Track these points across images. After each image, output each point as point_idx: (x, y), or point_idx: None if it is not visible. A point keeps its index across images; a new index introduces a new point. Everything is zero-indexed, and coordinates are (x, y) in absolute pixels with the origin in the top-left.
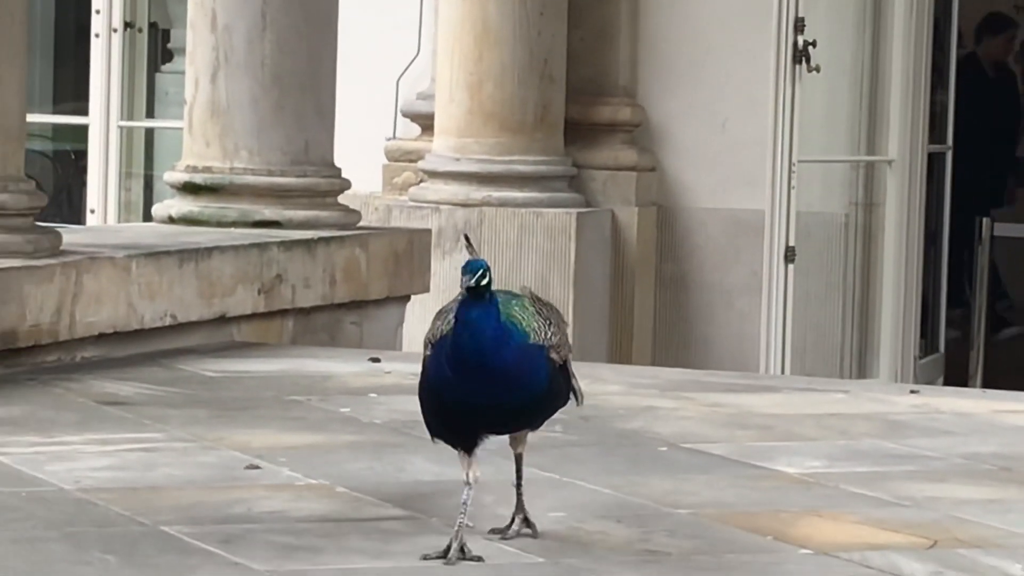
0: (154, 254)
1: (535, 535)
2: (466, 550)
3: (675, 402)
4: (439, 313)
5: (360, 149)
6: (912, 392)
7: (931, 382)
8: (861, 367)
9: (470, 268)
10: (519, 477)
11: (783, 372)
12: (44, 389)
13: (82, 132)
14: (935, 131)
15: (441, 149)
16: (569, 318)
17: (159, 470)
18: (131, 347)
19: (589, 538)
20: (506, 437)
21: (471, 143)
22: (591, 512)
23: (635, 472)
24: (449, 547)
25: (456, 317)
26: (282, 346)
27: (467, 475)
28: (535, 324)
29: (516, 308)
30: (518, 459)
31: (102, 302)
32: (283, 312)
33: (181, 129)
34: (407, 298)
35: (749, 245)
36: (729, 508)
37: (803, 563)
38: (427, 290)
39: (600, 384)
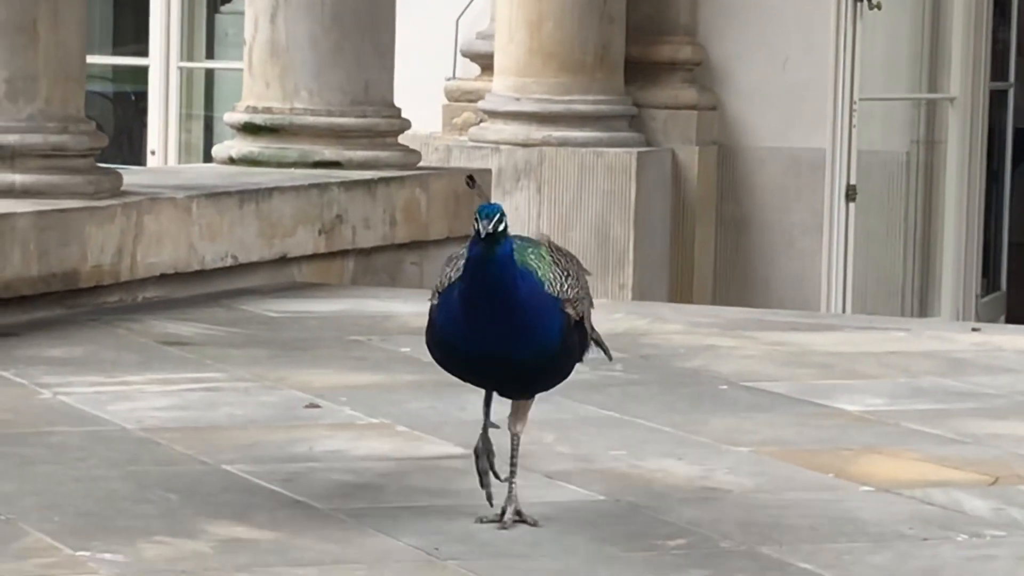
0: (215, 195)
1: (535, 523)
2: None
3: (736, 341)
4: (448, 260)
5: (420, 89)
6: (973, 330)
7: (993, 320)
8: (923, 305)
9: (485, 213)
10: (514, 463)
11: (844, 311)
12: (106, 329)
13: (142, 73)
14: (997, 68)
15: (501, 89)
16: (630, 258)
17: (221, 410)
18: (192, 288)
19: (650, 476)
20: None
21: (531, 83)
22: (652, 450)
23: (696, 410)
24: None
25: (468, 255)
26: (343, 286)
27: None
28: (551, 274)
29: (532, 256)
30: (514, 439)
31: (163, 243)
32: (343, 252)
33: (241, 70)
34: (467, 238)
35: (810, 184)
36: (790, 446)
37: (865, 500)
38: None
39: (660, 323)
